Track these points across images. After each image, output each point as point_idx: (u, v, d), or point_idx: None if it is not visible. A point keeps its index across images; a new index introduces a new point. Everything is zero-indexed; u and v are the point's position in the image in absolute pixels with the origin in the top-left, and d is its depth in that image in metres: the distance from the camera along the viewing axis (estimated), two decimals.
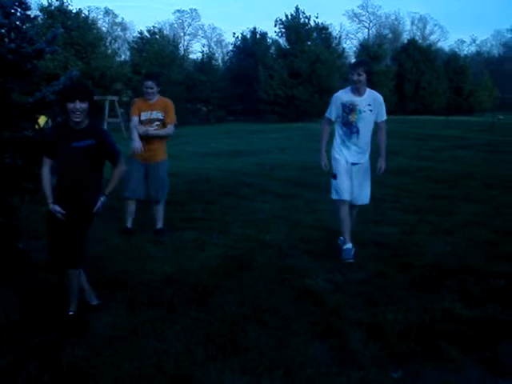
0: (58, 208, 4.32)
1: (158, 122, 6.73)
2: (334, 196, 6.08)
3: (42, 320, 4.32)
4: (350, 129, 5.94)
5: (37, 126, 5.96)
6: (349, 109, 5.90)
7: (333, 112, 6.05)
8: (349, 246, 5.89)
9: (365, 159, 6.08)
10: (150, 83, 6.64)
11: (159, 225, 6.94)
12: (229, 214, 8.09)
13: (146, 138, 6.67)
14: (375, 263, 5.58)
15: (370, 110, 5.93)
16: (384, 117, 6.11)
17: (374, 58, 48.91)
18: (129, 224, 6.96)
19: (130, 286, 5.05)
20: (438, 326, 4.15)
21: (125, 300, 4.71)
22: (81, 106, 4.20)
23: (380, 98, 6.06)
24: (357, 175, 6.05)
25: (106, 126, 26.57)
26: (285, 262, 5.76)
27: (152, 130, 6.68)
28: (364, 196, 6.18)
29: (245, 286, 5.01)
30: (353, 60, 56.61)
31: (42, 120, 6.57)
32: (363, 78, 5.79)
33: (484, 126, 29.53)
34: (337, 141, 6.08)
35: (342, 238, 6.07)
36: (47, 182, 4.44)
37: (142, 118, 6.69)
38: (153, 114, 6.70)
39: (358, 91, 5.89)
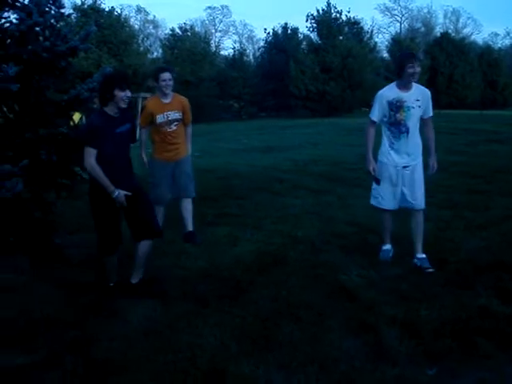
0: (123, 192, 4.52)
1: (176, 123, 6.37)
2: (372, 202, 5.78)
3: (78, 315, 4.38)
4: (399, 128, 5.42)
5: (72, 123, 6.05)
6: (396, 106, 5.38)
7: (376, 112, 5.50)
8: (387, 246, 5.78)
9: (417, 160, 5.54)
10: (167, 75, 6.21)
11: (190, 227, 6.57)
12: (261, 209, 8.09)
13: (166, 140, 6.36)
14: (410, 259, 5.52)
15: (419, 106, 5.42)
16: (431, 113, 5.58)
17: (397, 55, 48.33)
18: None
19: (164, 280, 5.09)
20: (474, 323, 4.08)
21: (157, 294, 4.75)
22: (129, 94, 4.47)
23: (428, 92, 5.56)
24: (410, 178, 5.51)
25: (138, 122, 26.83)
26: (318, 258, 5.74)
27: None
28: (419, 199, 5.56)
29: (278, 282, 5.01)
30: (385, 54, 56.15)
31: (76, 117, 6.67)
32: (419, 70, 5.35)
33: None
34: (384, 144, 5.57)
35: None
36: (101, 171, 4.47)
37: (159, 120, 6.26)
38: (170, 115, 6.28)
39: (406, 86, 5.38)
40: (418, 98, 5.41)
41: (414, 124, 5.43)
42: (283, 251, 5.91)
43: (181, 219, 6.62)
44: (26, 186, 5.16)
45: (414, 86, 5.44)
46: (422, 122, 5.56)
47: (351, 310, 4.40)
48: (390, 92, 5.48)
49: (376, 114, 5.51)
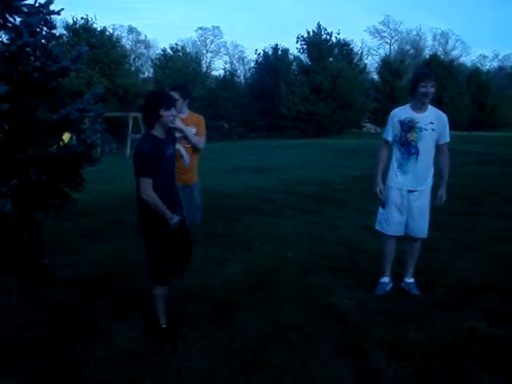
0: (177, 217, 4.39)
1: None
2: (377, 226, 5.56)
3: (65, 336, 4.35)
4: (409, 149, 5.23)
5: (61, 143, 6.05)
6: (408, 126, 5.20)
7: (389, 131, 5.34)
8: (385, 279, 5.55)
9: (425, 186, 5.33)
10: (172, 94, 5.73)
11: None
12: (251, 230, 8.09)
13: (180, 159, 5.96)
14: (398, 280, 5.53)
15: (433, 130, 5.20)
16: (447, 138, 5.33)
17: (395, 74, 48.86)
18: None
19: (151, 301, 5.06)
20: (463, 345, 4.09)
21: (146, 314, 4.73)
22: (174, 111, 4.31)
23: (444, 116, 5.34)
24: (415, 204, 5.34)
25: (129, 143, 26.84)
26: (307, 279, 5.73)
27: (191, 134, 6.06)
28: (423, 227, 5.42)
29: (267, 303, 4.99)
30: (375, 76, 56.56)
31: (66, 137, 6.66)
32: (433, 91, 5.13)
33: (508, 141, 29.23)
34: (393, 165, 5.40)
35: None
36: (160, 200, 4.23)
37: (177, 135, 5.85)
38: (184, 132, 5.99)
39: (420, 107, 5.20)
40: (432, 121, 5.21)
41: (425, 147, 5.22)
42: (273, 272, 5.90)
43: None
44: (14, 206, 5.15)
45: (430, 108, 5.28)
46: (438, 148, 5.34)
47: (340, 331, 4.40)
48: (402, 112, 5.33)
49: (389, 134, 5.36)
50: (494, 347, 4.05)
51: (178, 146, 5.77)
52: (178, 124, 5.83)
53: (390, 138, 5.37)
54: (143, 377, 3.70)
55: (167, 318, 4.51)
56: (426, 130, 5.18)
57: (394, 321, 4.57)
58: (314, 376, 3.69)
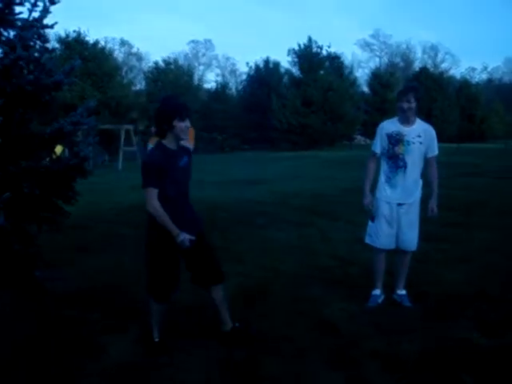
0: (188, 235, 4.09)
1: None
2: (367, 240, 5.53)
3: (59, 349, 4.34)
4: (396, 163, 5.25)
5: (54, 156, 6.06)
6: (395, 139, 5.22)
7: (378, 144, 5.37)
8: (377, 292, 5.53)
9: (414, 199, 5.33)
10: None
11: None
12: (244, 242, 8.10)
13: None
14: (390, 292, 5.55)
15: (420, 143, 5.22)
16: (436, 151, 5.34)
17: (386, 87, 49.26)
18: None
19: (145, 314, 5.05)
20: (456, 356, 4.11)
21: (139, 326, 4.73)
22: (188, 124, 4.13)
23: (432, 130, 5.35)
24: (405, 217, 5.32)
25: (121, 155, 26.84)
26: (300, 291, 5.75)
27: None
28: (412, 240, 5.41)
29: (260, 315, 5.00)
30: (365, 89, 56.85)
31: (58, 150, 6.68)
32: (414, 105, 5.15)
33: (497, 153, 29.43)
34: (381, 179, 5.40)
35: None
36: (165, 213, 4.05)
37: None
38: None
39: (406, 120, 5.23)
40: (419, 134, 5.23)
41: (413, 161, 5.23)
42: (265, 285, 5.92)
43: None
44: (7, 219, 5.15)
45: (418, 121, 5.31)
46: (426, 161, 5.35)
47: (333, 344, 4.41)
48: (390, 125, 5.35)
49: (377, 146, 5.38)
50: (487, 358, 4.07)
51: None
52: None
53: (378, 151, 5.38)
54: None
55: (164, 330, 4.50)
56: (413, 143, 5.21)
57: (386, 332, 4.59)
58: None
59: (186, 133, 4.12)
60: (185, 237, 4.06)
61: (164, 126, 4.08)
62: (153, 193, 4.02)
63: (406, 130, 5.23)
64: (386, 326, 4.74)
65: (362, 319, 4.94)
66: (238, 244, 8.00)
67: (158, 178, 4.01)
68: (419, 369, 3.94)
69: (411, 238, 5.39)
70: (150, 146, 5.99)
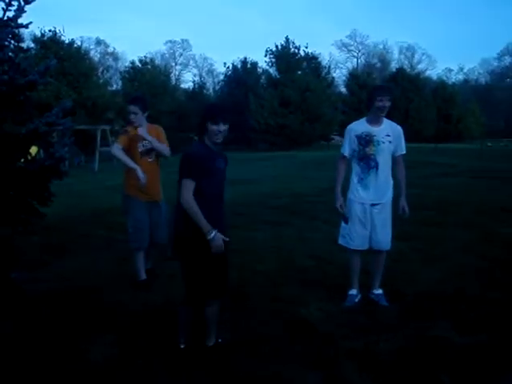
0: (220, 235, 3.93)
1: (154, 152, 5.95)
2: (341, 241, 5.54)
3: (37, 353, 4.28)
4: (368, 163, 5.27)
5: (29, 157, 5.99)
6: (365, 140, 5.24)
7: (346, 147, 5.38)
8: (353, 291, 5.54)
9: (386, 198, 5.37)
10: (132, 107, 5.87)
11: (150, 264, 6.34)
12: None
13: (146, 173, 5.73)
14: (367, 292, 5.58)
15: (390, 142, 5.26)
16: (403, 150, 5.40)
17: (363, 87, 49.58)
18: (144, 275, 6.05)
19: (122, 316, 5.03)
20: (432, 355, 4.14)
21: (117, 331, 4.69)
22: (224, 128, 3.98)
23: (400, 129, 5.41)
24: (378, 217, 5.35)
25: (97, 156, 26.65)
26: (277, 291, 5.74)
27: (156, 142, 5.89)
28: (386, 240, 5.43)
29: (237, 316, 4.99)
30: (342, 89, 57.16)
31: (33, 150, 6.59)
32: (389, 105, 5.18)
33: (473, 153, 29.75)
34: (353, 180, 5.41)
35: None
36: (199, 209, 3.87)
37: (140, 149, 5.83)
38: (147, 144, 5.86)
39: (376, 120, 5.26)
40: (388, 134, 5.27)
41: (384, 160, 5.27)
42: (243, 285, 5.90)
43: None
44: None
45: (385, 121, 5.33)
46: (394, 160, 5.39)
47: (310, 343, 4.42)
48: (359, 126, 5.36)
49: (346, 149, 5.38)
50: (463, 357, 4.11)
51: (134, 165, 5.70)
52: (143, 133, 5.80)
53: (346, 153, 5.40)
54: None
55: (138, 331, 4.47)
56: (383, 142, 5.24)
57: (363, 332, 4.61)
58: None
59: (218, 137, 3.98)
60: (217, 235, 3.89)
61: (199, 128, 4.03)
62: (190, 185, 3.88)
63: (375, 130, 5.26)
64: (363, 326, 4.76)
65: (339, 319, 4.96)
66: None
67: (198, 172, 3.89)
68: (396, 368, 3.96)
69: (385, 238, 5.41)
70: (117, 145, 5.75)
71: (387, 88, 5.50)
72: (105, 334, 4.62)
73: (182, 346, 4.26)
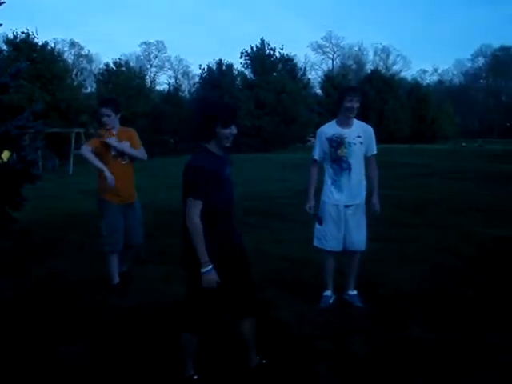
0: (215, 275, 3.45)
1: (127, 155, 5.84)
2: (315, 243, 5.49)
3: (10, 360, 4.22)
4: (341, 165, 5.25)
5: (0, 161, 5.92)
6: (336, 142, 5.23)
7: (317, 150, 5.39)
8: (328, 293, 5.53)
9: (360, 199, 5.36)
10: (104, 110, 5.72)
11: (125, 267, 6.24)
12: None
13: (120, 175, 5.66)
14: (340, 293, 5.59)
15: (361, 143, 5.25)
16: (375, 150, 5.41)
17: (338, 89, 49.72)
18: (117, 278, 5.95)
19: (95, 321, 4.98)
20: (406, 355, 4.17)
21: (88, 337, 4.64)
22: (236, 130, 3.56)
23: (370, 129, 5.41)
24: (352, 218, 5.34)
25: (72, 159, 26.40)
26: None
27: (127, 147, 5.77)
28: (360, 240, 5.42)
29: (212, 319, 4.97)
30: (318, 91, 57.42)
31: (5, 155, 6.50)
32: (357, 106, 5.18)
33: (448, 153, 30.06)
34: (326, 182, 5.38)
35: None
36: (202, 237, 3.42)
37: (113, 152, 5.71)
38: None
39: (346, 122, 5.24)
40: (359, 135, 5.26)
41: (356, 161, 5.26)
42: None
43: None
44: None
45: (356, 122, 5.32)
46: (366, 160, 5.39)
47: (284, 345, 4.42)
48: (329, 128, 5.35)
49: (317, 153, 5.39)
50: (436, 356, 4.14)
51: (101, 166, 5.58)
52: (112, 142, 5.70)
53: (317, 157, 5.41)
54: None
55: (111, 336, 4.43)
56: (354, 144, 5.23)
57: (337, 333, 4.63)
58: None
59: (230, 140, 3.57)
60: (212, 272, 3.44)
61: (205, 134, 3.55)
62: (197, 205, 3.41)
63: (345, 131, 5.25)
64: (338, 327, 4.78)
65: (313, 320, 4.97)
66: None
67: (206, 188, 3.42)
68: (370, 369, 3.98)
69: (359, 239, 5.42)
70: (86, 146, 5.61)
71: (357, 89, 5.51)
72: (77, 339, 4.57)
73: (196, 377, 3.82)
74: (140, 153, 5.95)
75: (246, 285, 3.81)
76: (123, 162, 5.83)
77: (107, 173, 5.54)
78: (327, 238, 5.39)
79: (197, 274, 3.45)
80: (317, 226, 5.50)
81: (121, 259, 6.08)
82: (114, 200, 5.79)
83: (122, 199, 5.85)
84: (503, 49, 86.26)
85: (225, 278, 3.52)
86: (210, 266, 3.41)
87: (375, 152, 5.44)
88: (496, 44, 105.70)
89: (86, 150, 5.66)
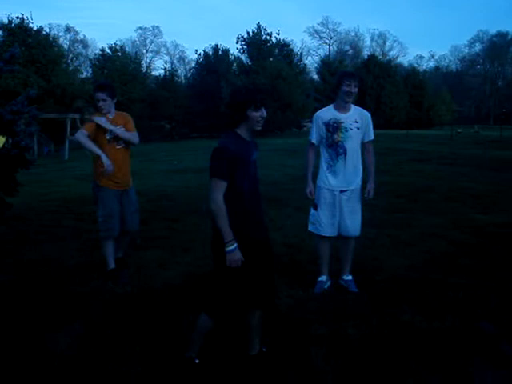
0: (239, 253, 3.46)
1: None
2: (310, 228, 5.52)
3: None
4: (336, 150, 5.24)
5: None
6: (333, 127, 5.21)
7: (314, 134, 5.36)
8: (323, 278, 5.53)
9: (355, 185, 5.36)
10: (99, 95, 5.65)
11: (121, 253, 6.21)
12: (192, 231, 8.04)
13: (115, 160, 5.64)
14: (336, 278, 5.61)
15: (358, 128, 5.24)
16: (372, 136, 5.40)
17: (334, 74, 49.62)
18: (113, 264, 5.89)
19: (90, 306, 4.98)
20: (400, 341, 4.18)
21: (84, 321, 4.64)
22: (265, 113, 3.60)
23: (368, 115, 5.41)
24: (347, 203, 5.33)
25: (67, 144, 26.35)
26: None
27: (118, 129, 5.70)
28: (355, 226, 5.42)
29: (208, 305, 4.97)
30: (315, 76, 57.22)
31: (0, 141, 6.47)
32: (356, 90, 5.18)
33: (443, 140, 30.07)
34: (322, 167, 5.38)
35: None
36: (226, 217, 3.44)
37: (108, 137, 5.66)
38: (113, 133, 5.67)
39: (344, 107, 5.24)
40: (356, 120, 5.25)
41: (352, 147, 5.25)
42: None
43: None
44: None
45: (353, 107, 5.32)
46: (363, 146, 5.39)
47: (280, 330, 4.42)
48: (326, 113, 5.33)
49: (314, 136, 5.38)
50: (430, 341, 4.16)
51: (98, 151, 5.55)
52: (107, 124, 5.66)
53: (314, 141, 5.40)
54: (80, 383, 3.64)
55: (106, 321, 4.42)
56: (351, 129, 5.23)
57: (332, 318, 4.63)
58: (254, 376, 3.71)
59: (260, 123, 3.60)
60: (237, 250, 3.46)
61: (236, 117, 3.57)
62: (221, 186, 3.44)
63: (342, 116, 5.24)
64: (333, 312, 4.78)
65: (308, 305, 4.97)
66: (185, 233, 7.95)
67: (231, 170, 3.45)
68: (365, 354, 3.98)
69: (354, 224, 5.42)
70: (82, 131, 5.55)
71: (355, 74, 5.47)
72: (72, 324, 4.57)
73: (197, 361, 3.81)
74: (132, 136, 5.87)
75: (268, 275, 3.77)
76: (118, 147, 5.77)
77: (104, 158, 5.51)
78: (322, 223, 5.40)
79: (222, 254, 3.48)
80: (312, 211, 5.51)
81: (116, 245, 6.07)
82: (110, 185, 5.75)
83: (118, 185, 5.82)
84: (500, 35, 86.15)
85: (248, 260, 3.51)
86: (235, 245, 3.44)
87: (372, 138, 5.43)
88: (493, 30, 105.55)
89: (81, 135, 5.60)
